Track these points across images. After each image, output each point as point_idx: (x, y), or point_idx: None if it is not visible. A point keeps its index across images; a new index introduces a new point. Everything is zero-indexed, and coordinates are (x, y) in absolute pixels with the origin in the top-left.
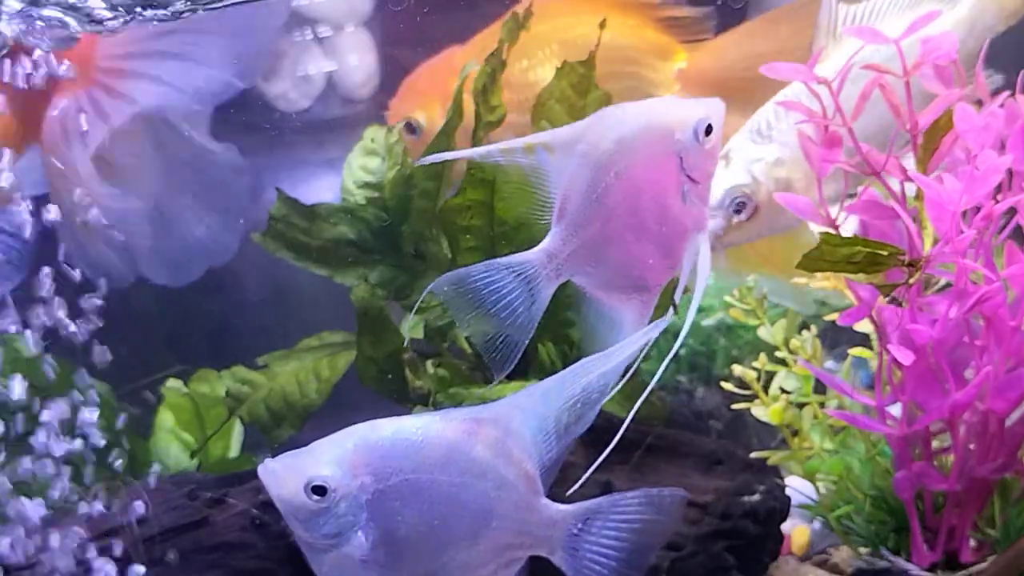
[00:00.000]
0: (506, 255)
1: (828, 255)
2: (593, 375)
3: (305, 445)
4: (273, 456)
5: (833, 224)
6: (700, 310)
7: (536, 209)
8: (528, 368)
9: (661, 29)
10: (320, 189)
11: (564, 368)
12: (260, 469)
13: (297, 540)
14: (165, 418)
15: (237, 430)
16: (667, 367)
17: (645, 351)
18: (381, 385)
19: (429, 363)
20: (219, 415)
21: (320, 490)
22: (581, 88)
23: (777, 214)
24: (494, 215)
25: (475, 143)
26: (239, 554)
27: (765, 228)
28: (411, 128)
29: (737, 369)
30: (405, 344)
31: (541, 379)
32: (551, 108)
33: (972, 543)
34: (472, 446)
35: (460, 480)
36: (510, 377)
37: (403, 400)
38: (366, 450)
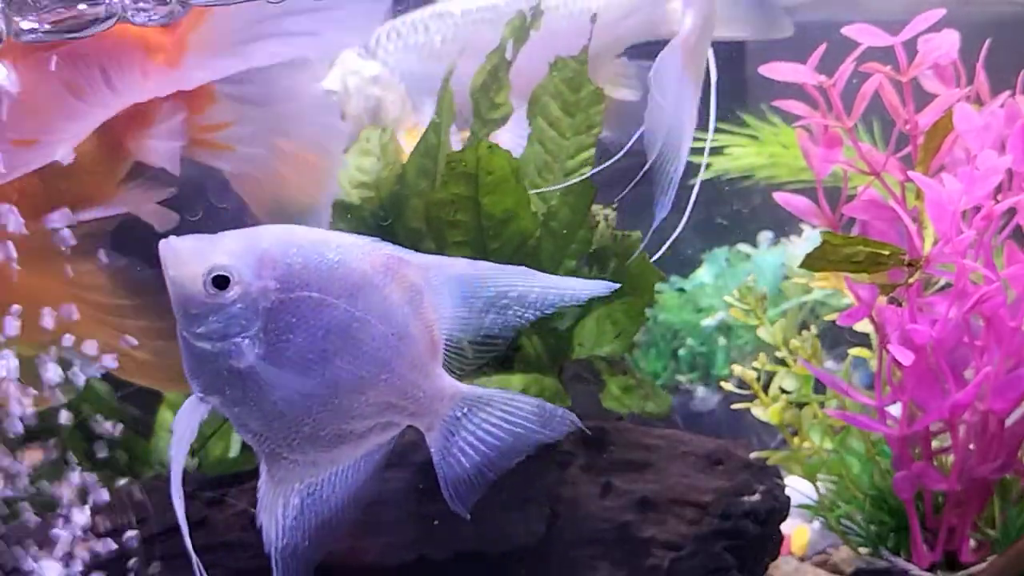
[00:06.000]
0: (496, 249)
1: (830, 255)
2: (534, 289)
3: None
4: None
5: (834, 225)
6: (699, 310)
7: None
8: (514, 359)
9: None
10: None
11: (549, 360)
12: (161, 244)
13: (179, 335)
14: (166, 417)
15: None
16: (666, 367)
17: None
18: None
19: None
20: (219, 415)
21: (221, 281)
22: (574, 84)
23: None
24: (480, 209)
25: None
26: (239, 554)
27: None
28: None
29: (737, 369)
30: None
31: (526, 372)
32: (545, 104)
33: (972, 543)
34: (386, 284)
35: (363, 315)
36: (495, 370)
37: None
38: (278, 253)
